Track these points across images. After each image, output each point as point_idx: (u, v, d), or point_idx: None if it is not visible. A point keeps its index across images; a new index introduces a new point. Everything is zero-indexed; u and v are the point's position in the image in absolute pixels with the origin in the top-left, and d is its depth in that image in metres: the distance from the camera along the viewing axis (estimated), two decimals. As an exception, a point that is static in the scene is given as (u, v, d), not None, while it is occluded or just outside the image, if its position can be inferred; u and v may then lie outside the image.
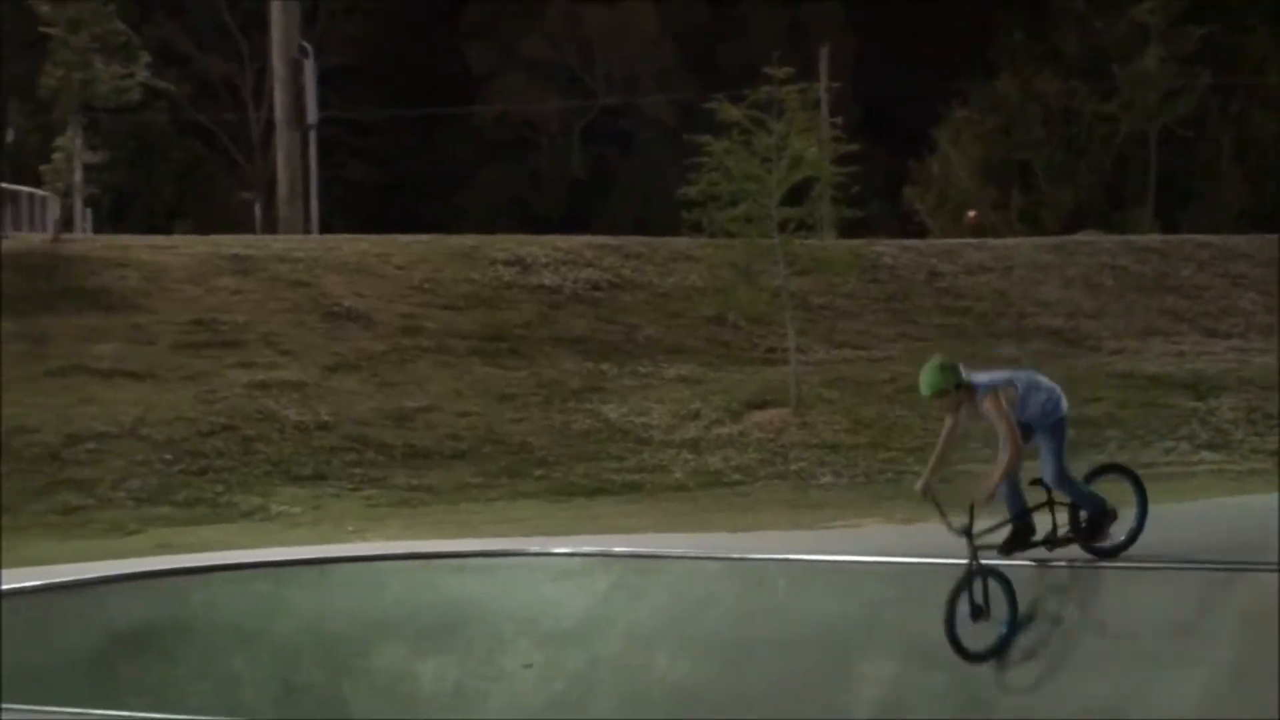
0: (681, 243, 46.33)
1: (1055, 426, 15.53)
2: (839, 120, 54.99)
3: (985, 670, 15.42)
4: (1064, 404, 15.67)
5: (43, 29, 47.20)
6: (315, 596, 19.77)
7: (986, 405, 14.98)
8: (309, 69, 57.72)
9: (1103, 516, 15.76)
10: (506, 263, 44.43)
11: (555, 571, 19.87)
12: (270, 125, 62.49)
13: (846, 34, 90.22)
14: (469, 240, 47.00)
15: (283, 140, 59.18)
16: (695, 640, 18.20)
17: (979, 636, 15.03)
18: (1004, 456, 14.95)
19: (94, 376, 35.32)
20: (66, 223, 47.64)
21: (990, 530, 15.42)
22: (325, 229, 56.27)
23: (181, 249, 45.07)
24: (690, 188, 38.58)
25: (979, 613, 15.03)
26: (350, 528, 25.90)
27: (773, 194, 37.43)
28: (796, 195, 38.79)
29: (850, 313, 45.19)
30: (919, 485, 15.73)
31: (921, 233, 76.47)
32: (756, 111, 37.71)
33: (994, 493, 15.14)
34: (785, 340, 38.46)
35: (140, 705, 13.31)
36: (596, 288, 43.48)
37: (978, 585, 15.07)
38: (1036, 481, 15.63)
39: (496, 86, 79.18)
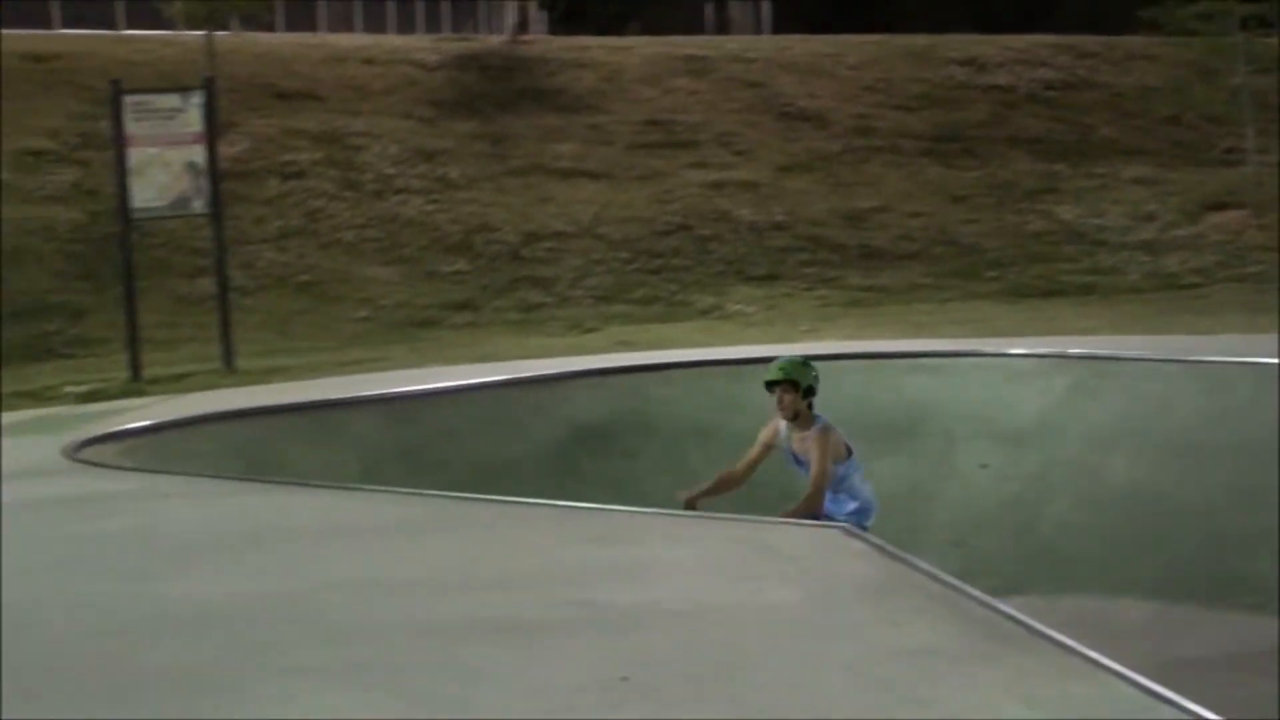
0: (1137, 41, 45.55)
1: None
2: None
3: None
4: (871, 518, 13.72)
5: None
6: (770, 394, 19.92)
7: (815, 437, 13.41)
8: None
9: None
10: (959, 62, 44.17)
11: (1011, 372, 19.79)
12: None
13: None
14: (921, 40, 46.72)
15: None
16: (1154, 443, 18.02)
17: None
18: (803, 501, 13.25)
19: (552, 176, 35.83)
20: (522, 25, 48.16)
21: None
22: (776, 30, 56.17)
23: (636, 50, 45.44)
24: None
25: None
26: (804, 327, 26.01)
27: (1233, -11, 36.40)
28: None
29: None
30: (682, 495, 13.90)
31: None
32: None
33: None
34: (1244, 140, 37.65)
35: (602, 497, 13.51)
36: (1050, 87, 43.02)
37: None
38: None
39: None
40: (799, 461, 13.37)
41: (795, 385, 13.25)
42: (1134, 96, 42.99)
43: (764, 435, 13.38)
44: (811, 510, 12.98)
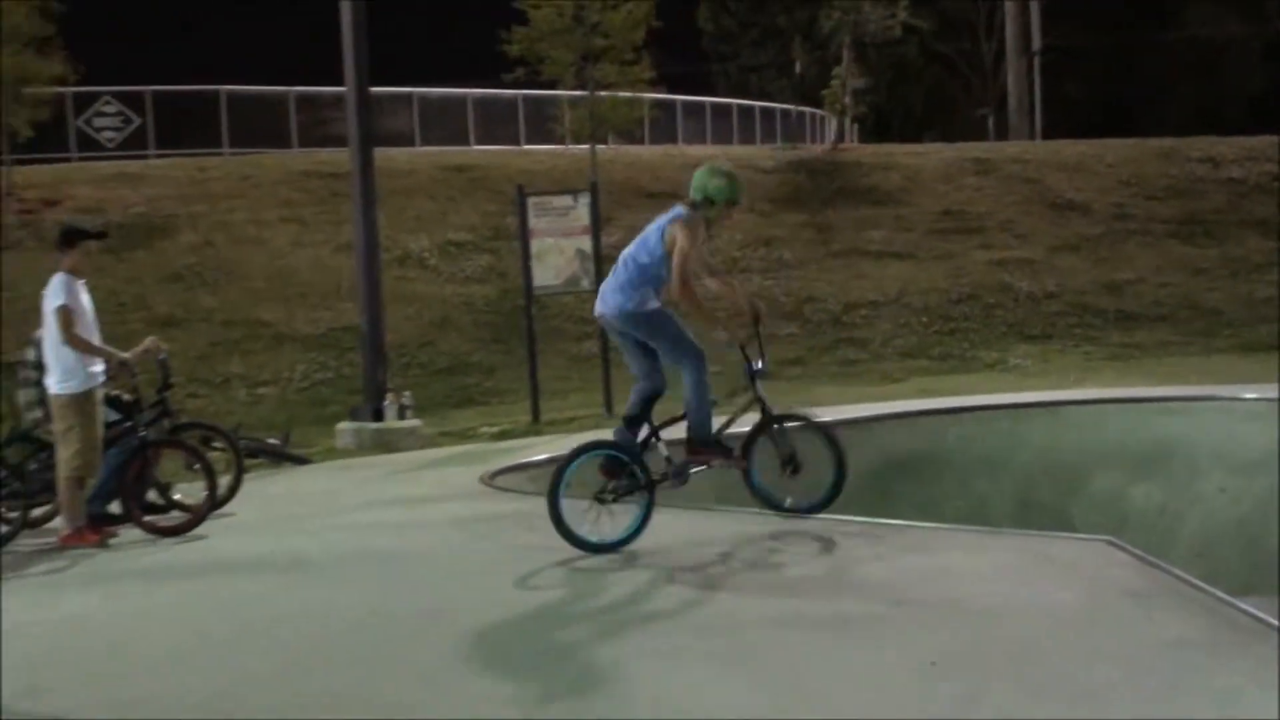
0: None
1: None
2: None
3: None
4: None
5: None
6: (1046, 432, 19.76)
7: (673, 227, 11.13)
8: (1034, 6, 57.24)
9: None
10: (1200, 160, 43.32)
11: (1244, 413, 19.41)
12: (1000, 53, 62.01)
13: None
14: (1168, 143, 45.92)
15: (1012, 65, 58.97)
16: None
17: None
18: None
19: (866, 257, 35.79)
20: (840, 135, 48.18)
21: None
22: (1047, 137, 55.65)
23: (932, 154, 45.29)
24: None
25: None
26: (1072, 377, 25.68)
27: None
28: None
29: None
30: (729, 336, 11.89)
31: None
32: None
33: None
34: None
35: (911, 516, 13.49)
36: (1276, 179, 41.98)
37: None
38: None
39: (1186, 14, 76.67)
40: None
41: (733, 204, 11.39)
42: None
43: (692, 250, 11.01)
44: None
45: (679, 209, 11.21)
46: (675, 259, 11.01)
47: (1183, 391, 20.84)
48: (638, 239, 11.35)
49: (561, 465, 11.05)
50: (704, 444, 11.37)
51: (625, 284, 11.18)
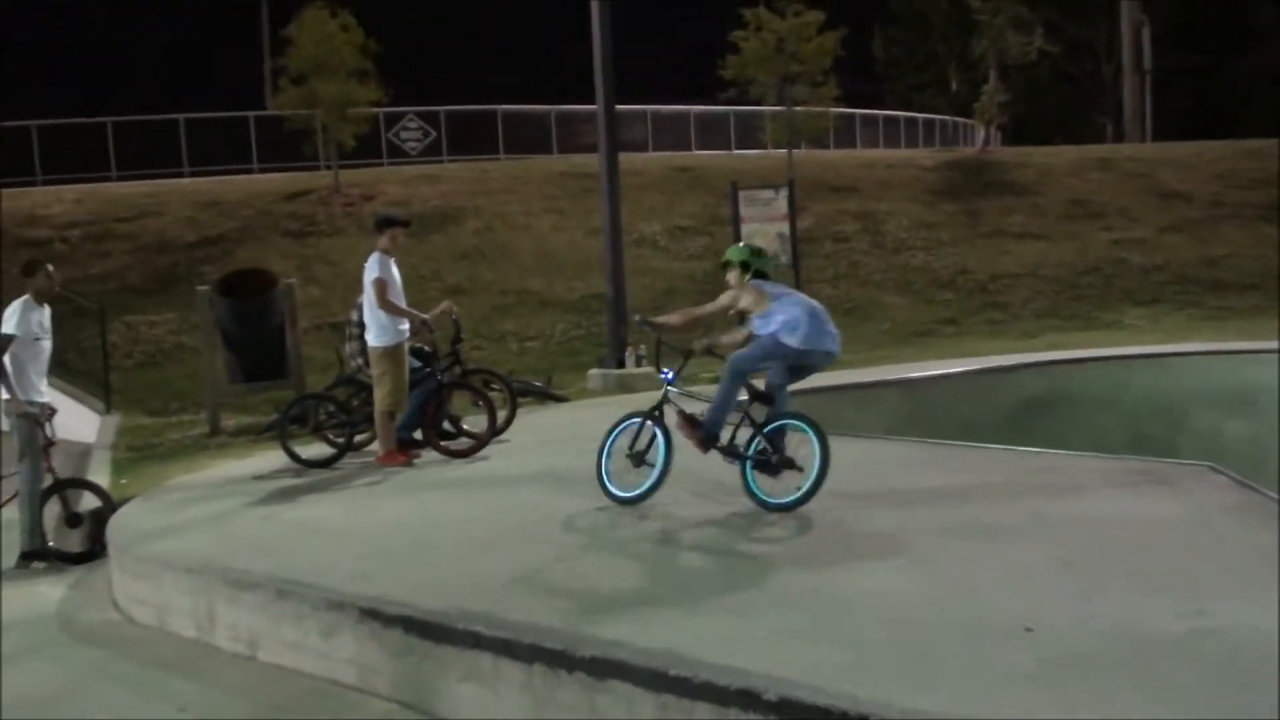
0: None
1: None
2: None
3: None
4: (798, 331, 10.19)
5: (974, 15, 47.08)
6: (1154, 378, 19.47)
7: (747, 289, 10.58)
8: (1145, 34, 56.03)
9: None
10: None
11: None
12: (1117, 72, 60.74)
13: None
14: (1255, 143, 44.71)
15: (1127, 81, 57.76)
16: None
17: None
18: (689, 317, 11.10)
19: (1008, 237, 35.37)
20: (986, 140, 47.59)
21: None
22: (1156, 139, 54.51)
23: (1061, 155, 44.62)
24: None
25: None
26: (1176, 335, 25.17)
27: None
28: None
29: None
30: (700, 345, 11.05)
31: None
32: None
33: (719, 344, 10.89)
34: None
35: (1042, 440, 13.36)
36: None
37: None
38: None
39: (1265, 41, 74.18)
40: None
41: (743, 266, 10.65)
42: None
43: (725, 300, 10.69)
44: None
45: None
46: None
47: (1268, 345, 20.36)
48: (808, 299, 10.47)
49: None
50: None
51: None
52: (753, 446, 9.86)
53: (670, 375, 10.90)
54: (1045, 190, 39.31)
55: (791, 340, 10.02)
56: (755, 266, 10.70)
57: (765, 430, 9.87)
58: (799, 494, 9.45)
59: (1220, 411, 18.49)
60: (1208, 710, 5.16)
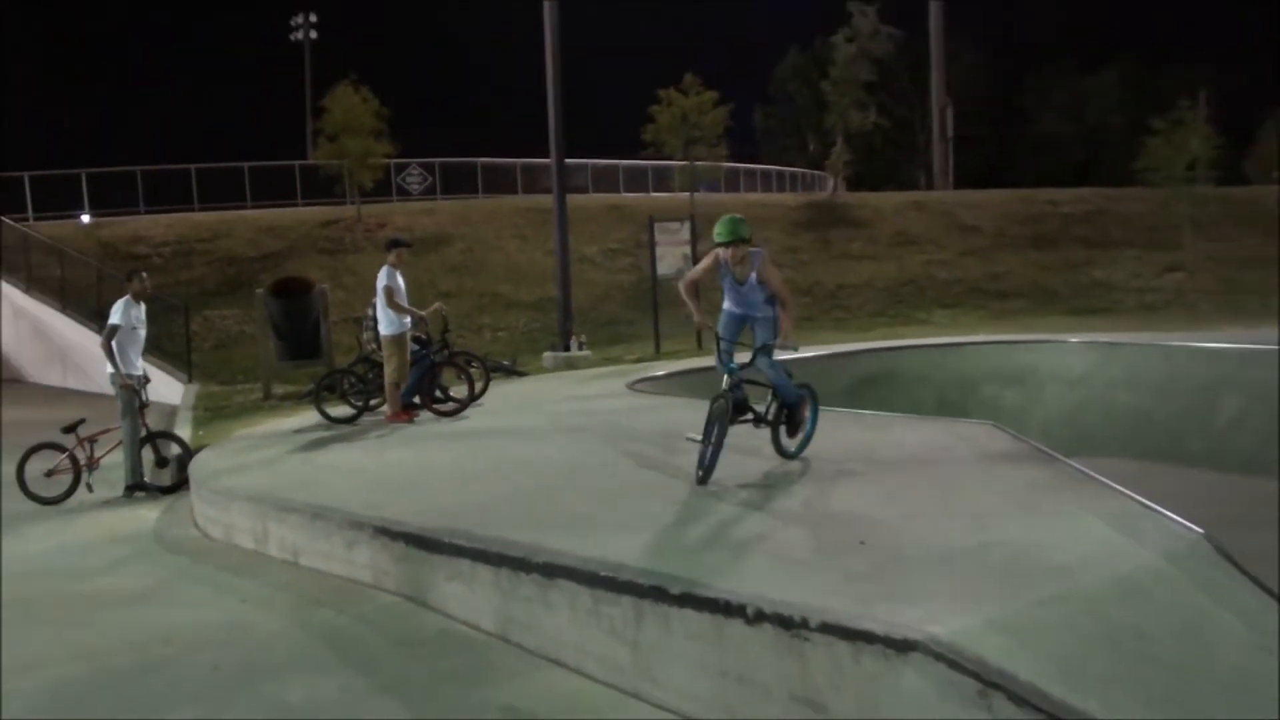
0: None
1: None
2: None
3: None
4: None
5: (827, 97, 47.22)
6: (955, 360, 19.62)
7: (765, 268, 8.53)
8: (949, 113, 56.40)
9: (799, 412, 9.23)
10: (1045, 202, 42.58)
11: (1069, 350, 19.09)
12: (929, 139, 61.10)
13: None
14: (1025, 192, 45.15)
15: (936, 146, 58.12)
16: (1155, 389, 17.26)
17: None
18: (792, 307, 8.76)
19: (850, 258, 35.49)
20: (835, 188, 47.73)
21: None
22: (956, 188, 54.83)
23: (888, 199, 44.79)
24: None
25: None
26: (970, 329, 25.36)
27: None
28: None
29: None
30: (698, 321, 8.82)
31: None
32: None
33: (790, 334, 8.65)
34: None
35: (873, 407, 13.44)
36: (1089, 213, 41.23)
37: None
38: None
39: (1039, 120, 74.67)
40: (734, 278, 8.60)
41: (742, 240, 8.44)
42: None
43: (708, 262, 8.57)
44: (791, 300, 8.67)
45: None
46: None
47: (1034, 337, 20.59)
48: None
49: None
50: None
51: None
52: (780, 414, 9.05)
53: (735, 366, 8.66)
54: (877, 224, 39.50)
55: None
56: (747, 235, 8.55)
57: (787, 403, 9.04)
58: (803, 441, 9.22)
59: (999, 385, 18.69)
60: (992, 597, 5.21)
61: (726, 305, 8.83)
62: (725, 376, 8.53)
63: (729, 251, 8.46)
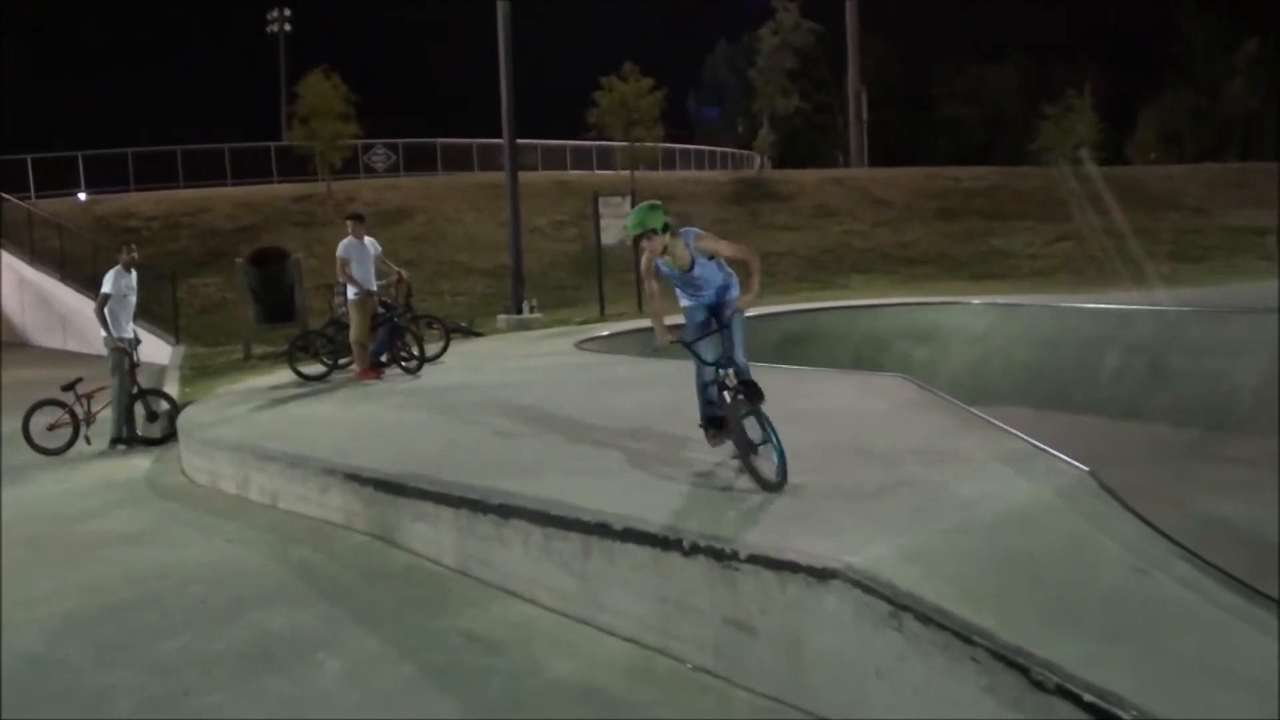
0: None
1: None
2: None
3: None
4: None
5: (754, 84, 47.18)
6: (869, 320, 19.65)
7: (704, 243, 6.68)
8: (864, 98, 56.39)
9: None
10: (949, 179, 42.70)
11: (971, 311, 19.19)
12: (846, 121, 61.03)
13: None
14: (931, 169, 45.34)
15: (853, 128, 58.09)
16: (1047, 342, 17.33)
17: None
18: (756, 266, 6.83)
19: (775, 229, 35.51)
20: (761, 165, 47.75)
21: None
22: (871, 165, 54.92)
23: (810, 175, 44.76)
24: None
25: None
26: (882, 292, 25.43)
27: None
28: None
29: None
30: (659, 343, 6.87)
31: None
32: None
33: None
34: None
35: (797, 362, 13.45)
36: (986, 189, 41.50)
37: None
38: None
39: (940, 105, 74.83)
40: (674, 275, 6.78)
41: (654, 231, 6.56)
42: None
43: (646, 271, 6.76)
44: (753, 257, 6.83)
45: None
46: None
47: (940, 299, 20.71)
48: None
49: None
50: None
51: None
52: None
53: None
54: (799, 199, 39.54)
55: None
56: (664, 223, 6.67)
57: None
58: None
59: (910, 342, 18.75)
60: (903, 529, 5.25)
61: (685, 303, 7.08)
62: (718, 377, 6.84)
63: (650, 243, 6.65)
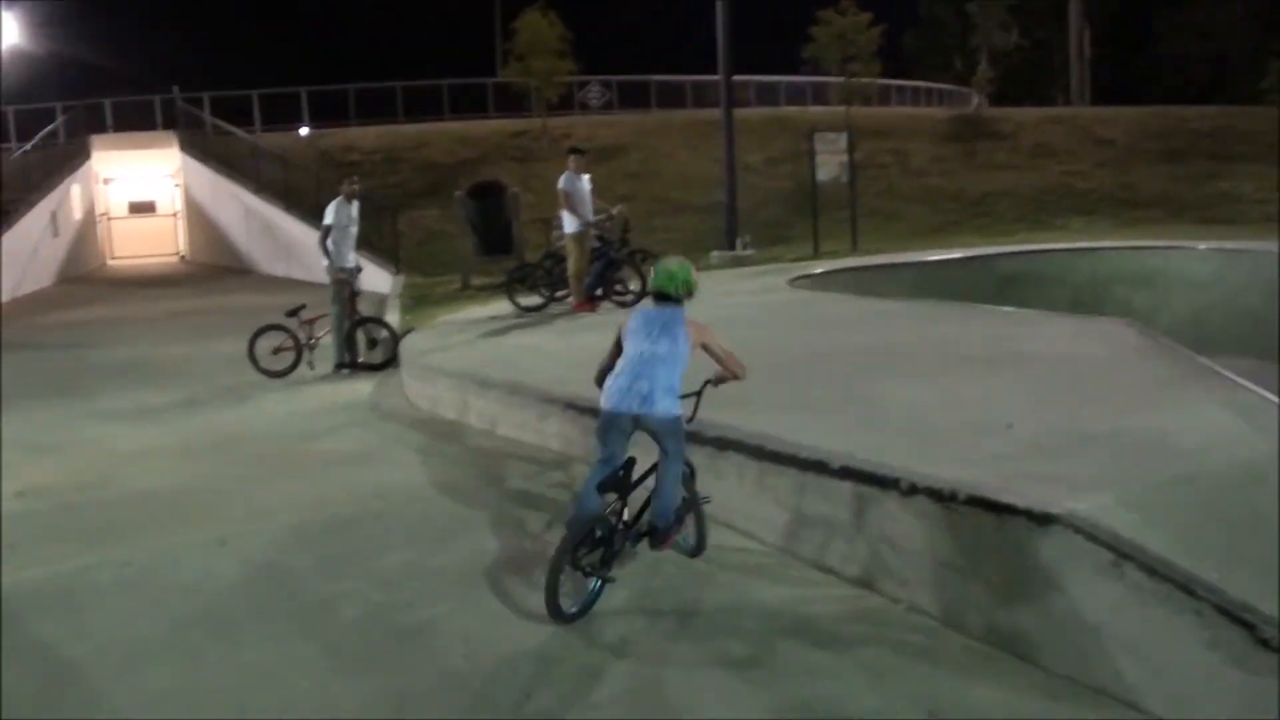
0: None
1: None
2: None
3: None
4: None
5: (972, 19, 45.31)
6: (1089, 264, 18.90)
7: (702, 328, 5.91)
8: (1086, 35, 53.49)
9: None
10: (1179, 118, 40.32)
11: (1198, 256, 18.24)
12: (1067, 59, 57.85)
13: None
14: (1158, 109, 42.74)
15: (1074, 66, 55.15)
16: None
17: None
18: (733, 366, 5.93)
19: (993, 168, 34.26)
20: (979, 105, 45.95)
21: None
22: (1093, 104, 52.12)
23: (1029, 114, 42.95)
24: None
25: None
26: (1103, 236, 24.33)
27: None
28: None
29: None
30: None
31: None
32: None
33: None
34: None
35: (1013, 304, 13.07)
36: (1212, 132, 38.95)
37: None
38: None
39: (1164, 39, 70.20)
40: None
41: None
42: None
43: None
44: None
45: (681, 311, 5.95)
46: (722, 354, 5.97)
47: (1165, 243, 19.74)
48: (655, 339, 5.84)
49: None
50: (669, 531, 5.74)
51: (671, 389, 5.76)
52: None
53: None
54: (1018, 138, 38.02)
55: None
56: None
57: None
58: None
59: (1130, 287, 18.00)
60: (1124, 478, 5.12)
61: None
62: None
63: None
